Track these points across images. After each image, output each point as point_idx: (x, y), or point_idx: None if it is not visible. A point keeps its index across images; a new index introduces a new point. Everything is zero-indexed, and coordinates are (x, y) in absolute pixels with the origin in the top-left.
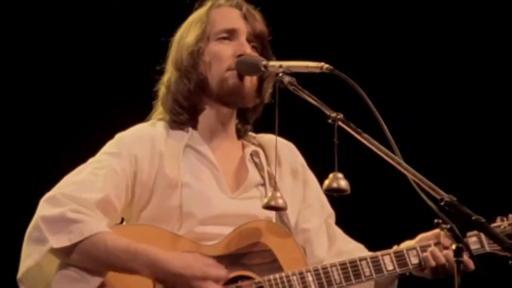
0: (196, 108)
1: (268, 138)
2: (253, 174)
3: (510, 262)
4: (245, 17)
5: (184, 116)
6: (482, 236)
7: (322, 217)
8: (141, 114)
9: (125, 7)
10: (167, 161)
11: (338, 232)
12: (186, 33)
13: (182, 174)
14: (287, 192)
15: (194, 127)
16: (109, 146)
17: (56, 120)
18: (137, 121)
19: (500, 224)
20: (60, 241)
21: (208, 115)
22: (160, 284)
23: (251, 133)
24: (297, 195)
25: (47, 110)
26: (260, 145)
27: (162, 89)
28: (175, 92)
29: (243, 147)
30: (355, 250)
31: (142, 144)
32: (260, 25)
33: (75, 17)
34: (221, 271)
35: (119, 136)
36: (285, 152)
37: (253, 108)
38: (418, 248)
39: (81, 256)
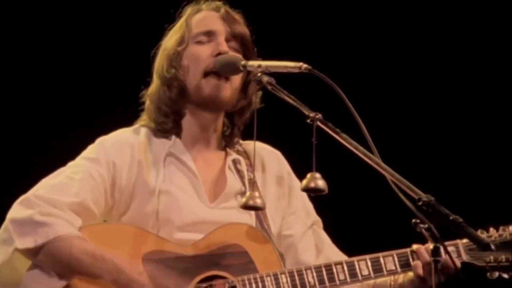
0: (179, 113)
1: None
2: (233, 183)
3: (487, 274)
4: (223, 19)
5: (168, 124)
6: (460, 245)
7: (306, 224)
8: (128, 119)
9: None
10: (147, 168)
11: (327, 240)
12: (167, 41)
13: (161, 182)
14: (272, 199)
15: (178, 134)
16: (89, 151)
17: (37, 121)
18: (123, 125)
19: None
20: (25, 242)
21: (191, 122)
22: None
23: (238, 140)
24: (281, 202)
25: (26, 111)
26: (244, 152)
27: (146, 101)
28: (158, 101)
29: (226, 155)
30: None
31: (122, 151)
32: (239, 26)
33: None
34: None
35: (99, 140)
36: (271, 160)
37: (239, 111)
38: (394, 255)
39: (47, 258)
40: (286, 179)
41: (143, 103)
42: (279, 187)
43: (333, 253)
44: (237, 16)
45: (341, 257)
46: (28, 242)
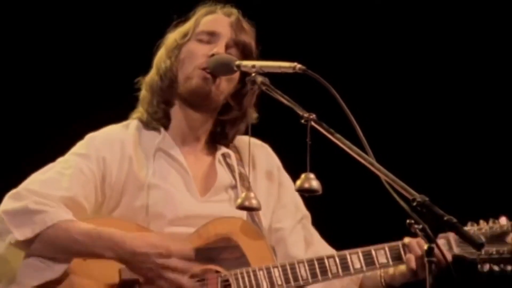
0: (170, 104)
1: (244, 140)
2: (223, 177)
3: (478, 266)
4: (231, 25)
5: (159, 114)
6: (451, 238)
7: (295, 218)
8: (124, 117)
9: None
10: (137, 163)
11: (315, 234)
12: (173, 34)
13: (151, 176)
14: (262, 194)
15: (167, 128)
16: (79, 147)
17: (27, 119)
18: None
19: (470, 228)
20: (24, 233)
21: (179, 118)
22: (125, 267)
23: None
24: (272, 196)
25: (17, 108)
26: (235, 147)
27: (142, 89)
28: (150, 90)
29: (216, 150)
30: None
31: (112, 147)
32: (245, 36)
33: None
34: (185, 246)
35: (89, 136)
36: (260, 154)
37: (231, 121)
38: (386, 248)
39: (44, 245)
40: (276, 173)
41: (137, 98)
42: (269, 181)
43: (322, 248)
44: (247, 27)
45: (330, 251)
46: (27, 232)
